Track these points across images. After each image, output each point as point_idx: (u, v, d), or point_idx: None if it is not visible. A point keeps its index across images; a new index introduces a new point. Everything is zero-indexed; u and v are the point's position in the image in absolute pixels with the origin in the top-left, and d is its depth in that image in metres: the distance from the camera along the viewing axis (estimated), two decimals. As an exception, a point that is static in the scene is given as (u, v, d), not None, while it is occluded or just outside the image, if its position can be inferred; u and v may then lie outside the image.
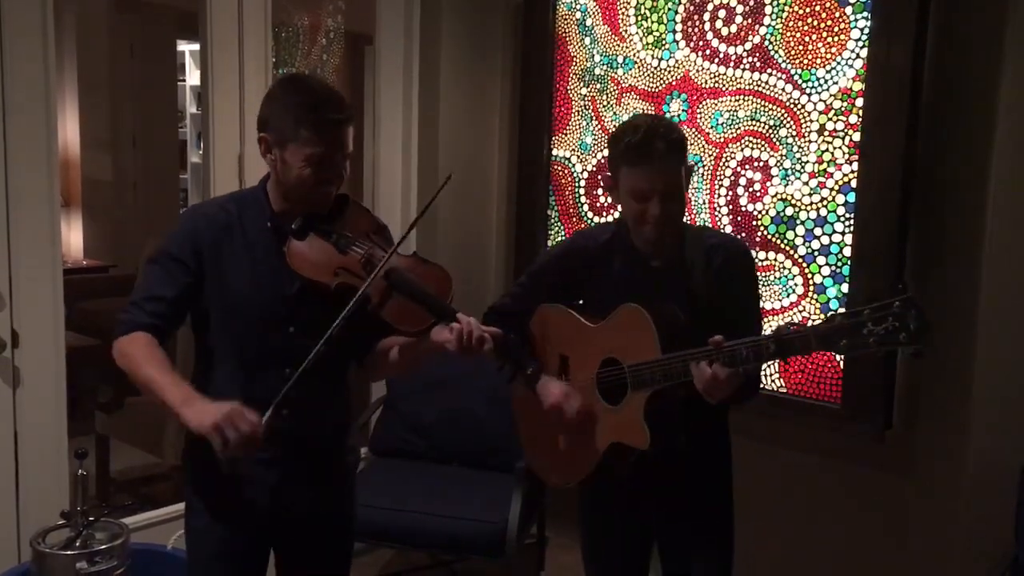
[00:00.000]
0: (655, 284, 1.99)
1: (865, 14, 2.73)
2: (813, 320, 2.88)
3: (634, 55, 3.29)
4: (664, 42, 3.21)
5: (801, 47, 2.88)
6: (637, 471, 1.98)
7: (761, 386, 2.16)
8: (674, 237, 2.00)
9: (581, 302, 2.13)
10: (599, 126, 3.41)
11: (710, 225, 3.06)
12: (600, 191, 3.43)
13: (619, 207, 2.03)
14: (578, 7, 3.44)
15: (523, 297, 2.17)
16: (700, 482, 2.07)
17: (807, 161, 2.88)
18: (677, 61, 3.18)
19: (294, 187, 1.82)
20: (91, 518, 1.96)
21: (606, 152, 2.03)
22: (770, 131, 2.96)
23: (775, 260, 2.96)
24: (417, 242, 3.37)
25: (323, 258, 1.83)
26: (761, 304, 2.15)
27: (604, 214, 3.43)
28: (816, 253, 2.88)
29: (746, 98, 3.01)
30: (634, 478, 2.01)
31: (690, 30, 3.13)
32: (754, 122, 2.99)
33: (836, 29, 2.80)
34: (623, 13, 3.31)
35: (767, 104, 2.96)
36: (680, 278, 1.99)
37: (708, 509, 2.10)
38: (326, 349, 1.72)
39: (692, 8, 3.12)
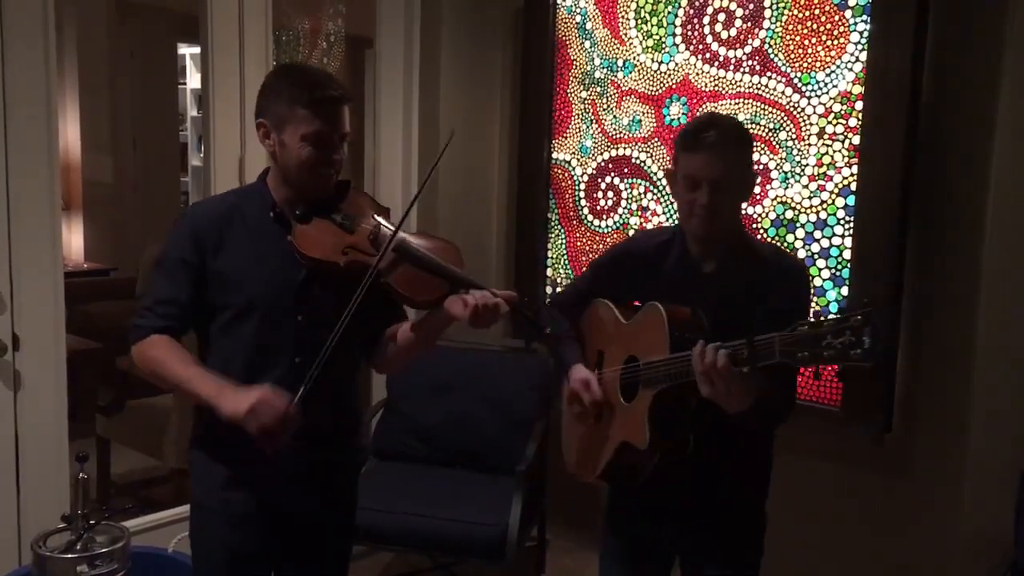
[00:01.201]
0: (704, 289, 1.95)
1: (864, 17, 2.74)
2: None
3: (634, 58, 3.30)
4: (664, 46, 3.21)
5: (801, 51, 2.88)
6: (655, 476, 1.94)
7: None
8: (728, 241, 1.96)
9: (637, 303, 2.10)
10: (599, 129, 3.41)
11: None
12: (600, 193, 3.44)
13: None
14: (578, 11, 3.45)
15: (582, 291, 2.19)
16: (719, 493, 2.01)
17: (807, 164, 2.88)
18: (677, 64, 3.18)
19: (294, 170, 1.82)
20: (92, 521, 1.95)
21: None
22: (770, 134, 2.96)
23: (775, 263, 2.96)
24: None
25: (331, 238, 1.83)
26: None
27: (604, 217, 3.44)
28: (816, 256, 2.88)
29: (746, 101, 3.01)
30: (650, 484, 1.97)
31: (690, 34, 3.14)
32: (754, 125, 2.99)
33: (835, 33, 2.80)
34: (623, 17, 3.32)
35: (767, 107, 2.96)
36: (729, 287, 1.94)
37: (729, 523, 2.03)
38: (339, 337, 1.71)
39: (692, 12, 3.13)
